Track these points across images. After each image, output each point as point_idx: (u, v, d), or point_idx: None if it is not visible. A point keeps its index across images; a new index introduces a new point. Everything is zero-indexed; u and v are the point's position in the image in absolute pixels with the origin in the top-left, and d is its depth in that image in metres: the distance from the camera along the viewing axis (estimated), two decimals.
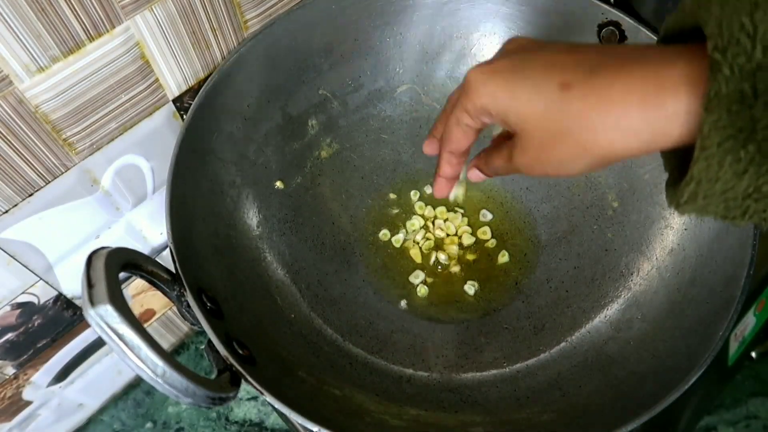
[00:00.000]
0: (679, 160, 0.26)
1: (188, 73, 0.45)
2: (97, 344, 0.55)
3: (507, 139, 0.31)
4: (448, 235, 0.53)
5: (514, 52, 0.29)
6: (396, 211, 0.54)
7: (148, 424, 0.61)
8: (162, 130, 0.46)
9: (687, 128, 0.23)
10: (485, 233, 0.53)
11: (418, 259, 0.52)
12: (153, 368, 0.29)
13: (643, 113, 0.23)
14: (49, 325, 0.49)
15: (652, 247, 0.48)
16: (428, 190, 0.55)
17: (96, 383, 0.59)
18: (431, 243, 0.53)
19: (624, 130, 0.24)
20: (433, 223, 0.54)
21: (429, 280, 0.51)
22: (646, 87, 0.23)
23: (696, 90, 0.22)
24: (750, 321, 0.52)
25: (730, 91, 0.20)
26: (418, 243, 0.53)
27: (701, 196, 0.23)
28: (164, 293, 0.36)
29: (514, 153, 0.29)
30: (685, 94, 0.23)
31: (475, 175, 0.36)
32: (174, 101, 0.46)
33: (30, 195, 0.41)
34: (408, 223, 0.53)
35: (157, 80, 0.43)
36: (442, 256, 0.52)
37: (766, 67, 0.20)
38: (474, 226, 0.54)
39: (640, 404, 0.36)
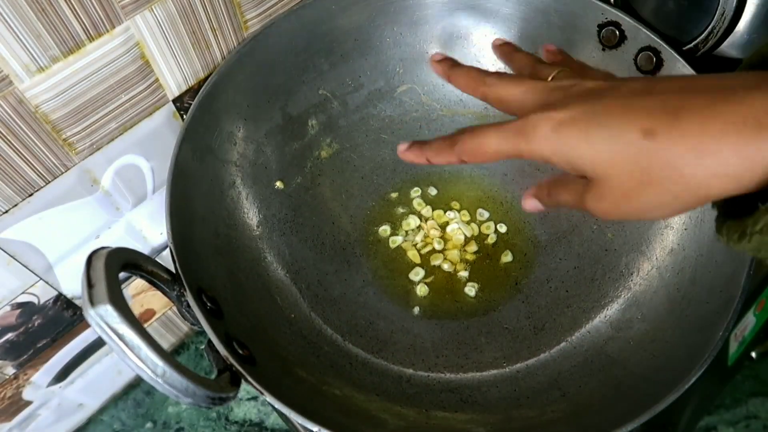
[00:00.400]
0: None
1: (188, 73, 0.45)
2: (97, 344, 0.55)
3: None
4: (448, 241, 0.53)
5: (579, 94, 0.27)
6: (396, 210, 0.54)
7: (148, 424, 0.61)
8: (162, 130, 0.46)
9: None
10: (488, 228, 0.53)
11: (417, 260, 0.52)
12: (153, 368, 0.29)
13: (742, 159, 0.22)
14: (49, 325, 0.49)
15: (652, 247, 0.48)
16: (432, 191, 0.55)
17: (96, 383, 0.59)
18: (431, 248, 0.53)
19: (722, 177, 0.23)
20: (426, 221, 0.54)
21: (428, 279, 0.51)
22: (741, 130, 0.22)
23: None
24: (750, 321, 0.52)
25: None
26: (415, 245, 0.53)
27: None
28: (164, 293, 0.36)
29: (587, 197, 0.27)
30: None
31: (532, 204, 0.33)
32: (174, 101, 0.46)
33: (30, 195, 0.41)
34: (404, 222, 0.53)
35: (157, 80, 0.43)
36: (445, 265, 0.52)
37: None
38: (475, 223, 0.54)
39: (640, 404, 0.36)
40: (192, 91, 0.46)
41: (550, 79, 0.31)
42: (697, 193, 0.24)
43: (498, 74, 0.33)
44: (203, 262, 0.41)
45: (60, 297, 0.48)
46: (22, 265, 0.44)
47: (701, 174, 0.23)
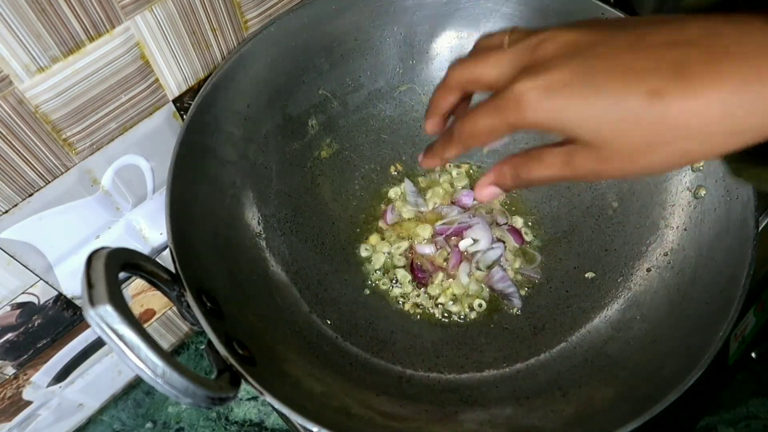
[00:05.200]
0: None
1: (188, 73, 0.45)
2: (97, 344, 0.55)
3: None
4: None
5: (558, 51, 0.26)
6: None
7: (148, 424, 0.61)
8: (162, 130, 0.46)
9: None
10: None
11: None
12: (153, 368, 0.29)
13: (752, 113, 0.22)
14: (49, 325, 0.49)
15: (652, 247, 0.48)
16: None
17: (96, 383, 0.59)
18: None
19: (733, 133, 0.23)
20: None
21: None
22: (748, 83, 0.22)
23: None
24: (750, 321, 0.52)
25: None
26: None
27: None
28: (164, 293, 0.36)
29: (581, 162, 0.26)
30: None
31: (489, 193, 0.31)
32: (174, 101, 0.46)
33: (30, 195, 0.41)
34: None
35: (157, 80, 0.43)
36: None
37: None
38: None
39: (640, 404, 0.36)
40: (192, 91, 0.46)
41: (506, 44, 0.28)
42: (709, 151, 0.24)
43: (461, 64, 0.30)
44: (203, 262, 0.41)
45: (60, 297, 0.48)
46: (22, 265, 0.44)
47: (714, 131, 0.23)
